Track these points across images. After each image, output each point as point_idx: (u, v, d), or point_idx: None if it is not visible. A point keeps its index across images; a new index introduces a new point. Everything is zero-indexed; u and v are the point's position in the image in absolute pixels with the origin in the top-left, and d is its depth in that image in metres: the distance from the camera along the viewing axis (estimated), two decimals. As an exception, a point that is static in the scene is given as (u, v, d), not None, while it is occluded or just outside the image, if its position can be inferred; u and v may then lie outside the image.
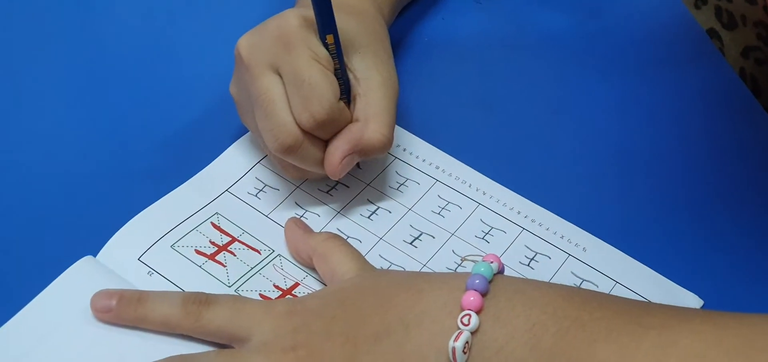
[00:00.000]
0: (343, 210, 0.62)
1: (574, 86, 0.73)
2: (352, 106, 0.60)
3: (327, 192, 0.63)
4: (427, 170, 0.65)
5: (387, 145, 0.59)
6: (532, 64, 0.75)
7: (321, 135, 0.59)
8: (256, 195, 0.63)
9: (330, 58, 0.59)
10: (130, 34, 0.77)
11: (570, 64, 0.75)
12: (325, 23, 0.58)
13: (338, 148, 0.59)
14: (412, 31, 0.77)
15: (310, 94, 0.57)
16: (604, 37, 0.76)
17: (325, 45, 0.59)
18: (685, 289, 0.58)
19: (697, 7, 0.82)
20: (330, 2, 0.58)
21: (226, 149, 0.65)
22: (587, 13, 0.79)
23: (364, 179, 0.64)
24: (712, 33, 0.81)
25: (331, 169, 0.59)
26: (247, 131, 0.66)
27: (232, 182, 0.63)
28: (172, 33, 0.77)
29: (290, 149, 0.58)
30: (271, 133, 0.58)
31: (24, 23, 0.77)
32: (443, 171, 0.65)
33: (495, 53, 0.75)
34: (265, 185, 0.63)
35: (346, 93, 0.60)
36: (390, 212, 0.62)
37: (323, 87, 0.57)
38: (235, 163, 0.64)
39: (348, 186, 0.63)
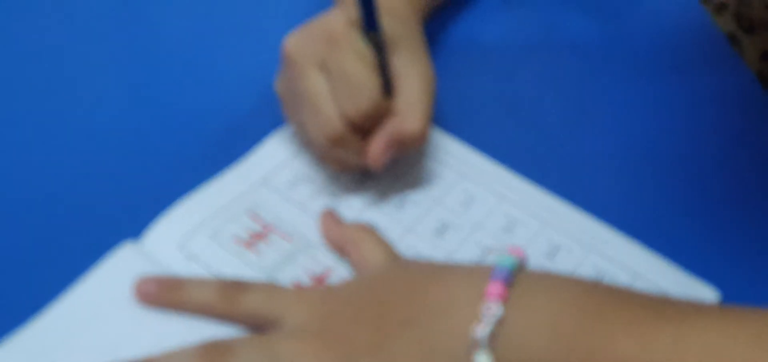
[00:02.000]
0: (374, 201, 0.63)
1: (596, 87, 0.73)
2: (392, 100, 0.62)
3: (359, 185, 0.64)
4: (454, 165, 0.66)
5: (423, 136, 0.61)
6: (556, 66, 0.75)
7: (364, 127, 0.60)
8: (291, 187, 0.64)
9: (373, 56, 0.61)
10: (179, 24, 0.78)
11: (593, 66, 0.75)
12: (370, 22, 0.60)
13: (379, 140, 0.60)
14: (442, 32, 0.77)
15: (356, 89, 0.59)
16: (626, 40, 0.77)
17: (369, 43, 0.61)
18: (703, 283, 0.58)
19: (718, 12, 0.83)
20: (374, 3, 0.60)
21: (264, 141, 0.66)
22: (611, 16, 0.79)
23: (395, 172, 0.65)
24: (731, 37, 0.81)
25: (373, 159, 0.61)
26: (285, 124, 0.67)
27: (269, 173, 0.64)
28: (223, 24, 0.78)
29: (336, 141, 0.60)
30: (317, 125, 0.60)
31: (76, 12, 0.79)
32: (470, 166, 0.66)
33: (521, 55, 0.76)
34: (301, 177, 0.65)
35: (387, 88, 0.62)
36: (418, 204, 0.63)
37: (368, 82, 0.59)
38: (272, 155, 0.66)
39: (379, 180, 0.65)
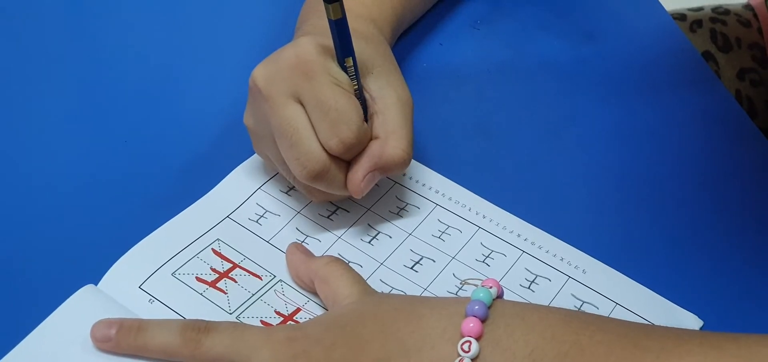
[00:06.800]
0: (344, 235, 0.62)
1: (571, 110, 0.73)
2: (369, 124, 0.61)
3: (328, 218, 0.63)
4: (427, 194, 0.65)
5: (407, 160, 0.60)
6: (529, 89, 0.75)
7: (347, 157, 0.59)
8: (257, 222, 0.63)
9: (350, 82, 0.59)
10: (133, 62, 0.77)
11: (567, 88, 0.75)
12: (345, 47, 0.59)
13: (360, 168, 0.59)
14: (410, 56, 0.77)
15: (337, 119, 0.58)
16: (600, 61, 0.77)
17: (344, 69, 0.59)
18: (684, 310, 0.58)
19: (692, 30, 0.83)
20: (348, 27, 0.58)
21: (226, 175, 0.65)
22: (584, 37, 0.79)
23: (365, 204, 0.64)
24: (707, 56, 0.81)
25: (354, 188, 0.59)
26: (248, 157, 0.66)
27: (233, 208, 0.63)
28: (176, 61, 0.77)
29: (318, 176, 0.59)
30: (297, 161, 0.58)
31: (29, 49, 0.78)
32: (443, 195, 0.65)
33: (493, 78, 0.76)
34: (266, 211, 0.64)
35: (364, 113, 0.60)
36: (390, 237, 0.62)
37: (349, 111, 0.58)
38: (235, 189, 0.64)
39: (348, 211, 0.64)
